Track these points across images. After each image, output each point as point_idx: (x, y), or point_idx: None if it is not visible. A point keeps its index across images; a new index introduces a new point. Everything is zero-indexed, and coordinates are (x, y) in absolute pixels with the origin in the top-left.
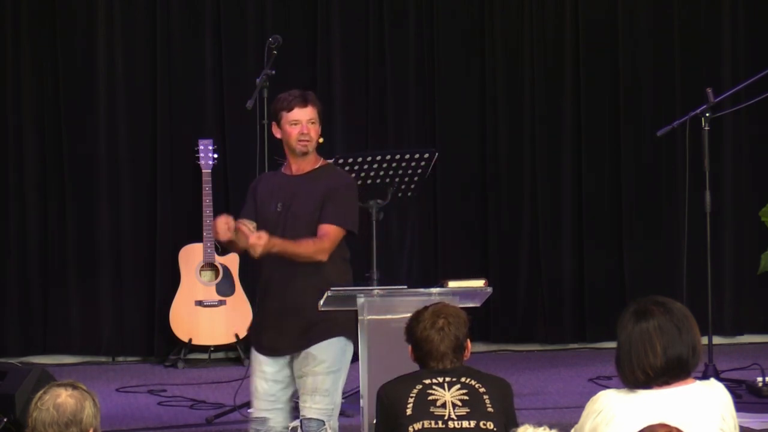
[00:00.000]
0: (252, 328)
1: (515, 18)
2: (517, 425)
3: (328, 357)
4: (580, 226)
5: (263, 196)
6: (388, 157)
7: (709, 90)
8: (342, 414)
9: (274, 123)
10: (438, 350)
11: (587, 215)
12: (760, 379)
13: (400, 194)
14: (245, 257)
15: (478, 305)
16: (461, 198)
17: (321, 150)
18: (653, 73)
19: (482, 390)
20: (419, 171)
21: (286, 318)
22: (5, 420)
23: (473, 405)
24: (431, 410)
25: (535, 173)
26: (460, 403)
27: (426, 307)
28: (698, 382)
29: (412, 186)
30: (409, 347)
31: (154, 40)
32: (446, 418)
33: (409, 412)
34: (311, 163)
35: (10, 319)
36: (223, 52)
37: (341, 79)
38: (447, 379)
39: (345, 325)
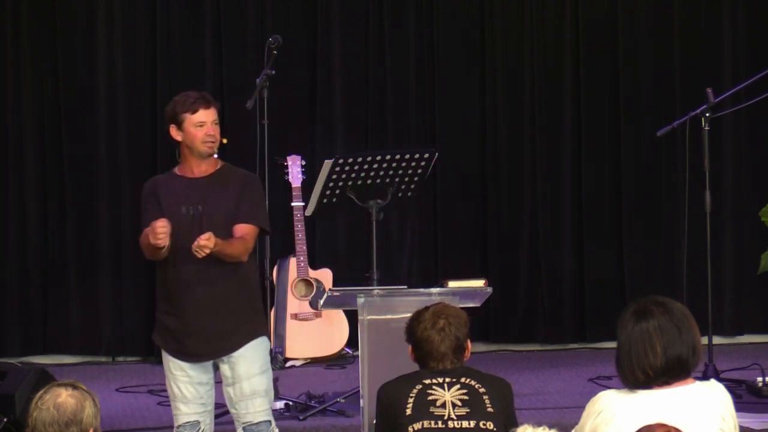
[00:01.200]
0: (164, 332)
1: (515, 18)
2: (516, 425)
3: (258, 357)
4: (580, 226)
5: (167, 200)
6: (388, 157)
7: (709, 90)
8: (342, 414)
9: (173, 126)
10: (438, 350)
11: (587, 215)
12: (760, 379)
13: (400, 194)
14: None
15: (478, 305)
16: (461, 198)
17: (325, 151)
18: (653, 73)
19: (482, 390)
20: (419, 171)
21: (210, 321)
22: (5, 420)
23: (473, 405)
24: (431, 410)
25: (535, 173)
26: (459, 403)
27: (427, 308)
28: (698, 383)
29: (412, 186)
30: (409, 347)
31: (154, 40)
32: (446, 417)
33: (408, 412)
34: (213, 164)
35: (10, 319)
36: (223, 52)
37: (341, 79)
38: (447, 379)
39: (264, 324)
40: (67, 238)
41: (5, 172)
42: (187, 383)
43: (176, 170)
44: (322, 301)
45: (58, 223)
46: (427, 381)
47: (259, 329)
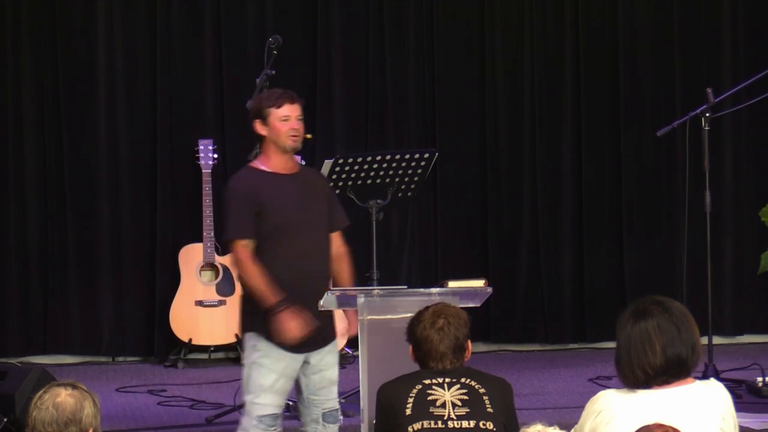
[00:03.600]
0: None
1: (515, 18)
2: (517, 425)
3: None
4: (580, 226)
5: (273, 200)
6: (388, 157)
7: (709, 90)
8: (342, 414)
9: (257, 121)
10: (437, 350)
11: (587, 215)
12: (760, 379)
13: (400, 194)
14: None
15: (478, 305)
16: (461, 198)
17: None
18: (653, 73)
19: (482, 390)
20: (419, 171)
21: (319, 316)
22: (5, 420)
23: (473, 405)
24: (431, 410)
25: (535, 173)
26: (459, 403)
27: (427, 307)
28: (698, 382)
29: (412, 186)
30: (410, 347)
31: (154, 40)
32: (446, 418)
33: (408, 412)
34: (296, 161)
35: (10, 319)
36: (223, 52)
37: (341, 79)
38: (447, 379)
39: None
40: (67, 238)
41: (5, 172)
42: (284, 376)
43: (262, 167)
44: (322, 301)
45: (58, 223)
46: (427, 381)
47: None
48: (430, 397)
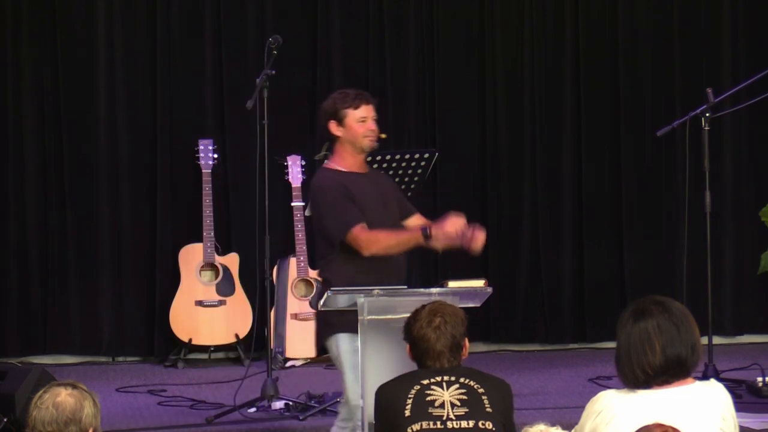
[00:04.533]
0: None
1: (515, 18)
2: (514, 427)
3: None
4: (580, 226)
5: (357, 197)
6: (388, 157)
7: (709, 90)
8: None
9: (332, 121)
10: (434, 349)
11: (587, 215)
12: (760, 379)
13: None
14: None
15: (478, 305)
16: (461, 198)
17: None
18: (653, 73)
19: (481, 390)
20: (419, 171)
21: None
22: (5, 420)
23: (472, 405)
24: (429, 411)
25: (535, 173)
26: (458, 403)
27: (423, 306)
28: (698, 382)
29: (412, 186)
30: (407, 345)
31: (154, 40)
32: (445, 418)
33: (407, 413)
34: (364, 160)
35: (10, 319)
36: (223, 52)
37: (341, 79)
38: (445, 378)
39: None
40: (67, 238)
41: (5, 172)
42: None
43: (338, 167)
44: (322, 301)
45: (58, 223)
46: (425, 381)
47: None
48: (429, 398)
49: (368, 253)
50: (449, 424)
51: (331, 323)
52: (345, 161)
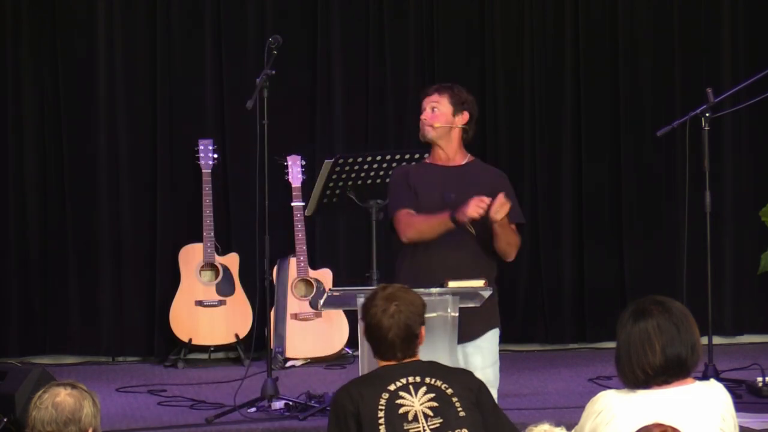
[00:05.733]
0: None
1: (515, 19)
2: (499, 410)
3: (491, 348)
4: (580, 226)
5: (423, 187)
6: (388, 157)
7: (709, 90)
8: None
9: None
10: (386, 338)
11: (587, 215)
12: (760, 379)
13: None
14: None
15: (478, 305)
16: None
17: (325, 151)
18: (653, 73)
19: (449, 391)
20: None
21: None
22: (5, 420)
23: (445, 413)
24: (405, 427)
25: (535, 173)
26: (431, 413)
27: (384, 287)
28: (698, 382)
29: None
30: (362, 325)
31: (154, 40)
32: None
33: (382, 429)
34: (462, 156)
35: (10, 319)
36: (223, 52)
37: (341, 79)
38: (411, 380)
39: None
40: (67, 238)
41: (5, 171)
42: None
43: (426, 160)
44: (322, 301)
45: (58, 222)
46: (392, 387)
47: (493, 321)
48: (401, 410)
49: (405, 239)
50: None
51: (496, 314)
52: (431, 154)
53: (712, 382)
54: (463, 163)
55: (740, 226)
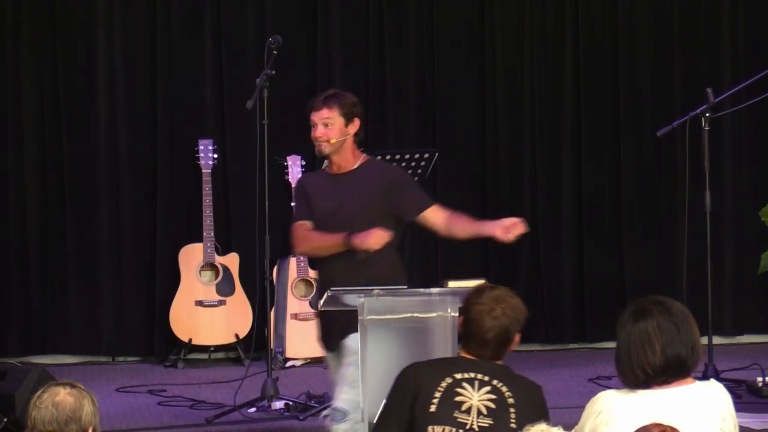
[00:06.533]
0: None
1: (515, 18)
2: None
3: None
4: (580, 226)
5: (314, 198)
6: (388, 157)
7: (709, 90)
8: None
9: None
10: (484, 337)
11: (587, 215)
12: (760, 379)
13: None
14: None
15: None
16: (461, 198)
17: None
18: (653, 73)
19: (510, 401)
20: (419, 171)
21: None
22: (5, 420)
23: (497, 417)
24: (455, 415)
25: (535, 173)
26: (485, 412)
27: (492, 287)
28: (698, 382)
29: None
30: (460, 318)
31: (154, 40)
32: (467, 426)
33: (433, 408)
34: (352, 160)
35: (10, 319)
36: (223, 52)
37: (341, 79)
38: (479, 376)
39: None
40: (67, 238)
41: (5, 172)
42: (330, 369)
43: (324, 167)
44: (322, 301)
45: (58, 223)
46: (459, 375)
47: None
48: (457, 398)
49: (298, 251)
50: None
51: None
52: (327, 162)
53: (712, 382)
54: (355, 166)
55: (740, 226)
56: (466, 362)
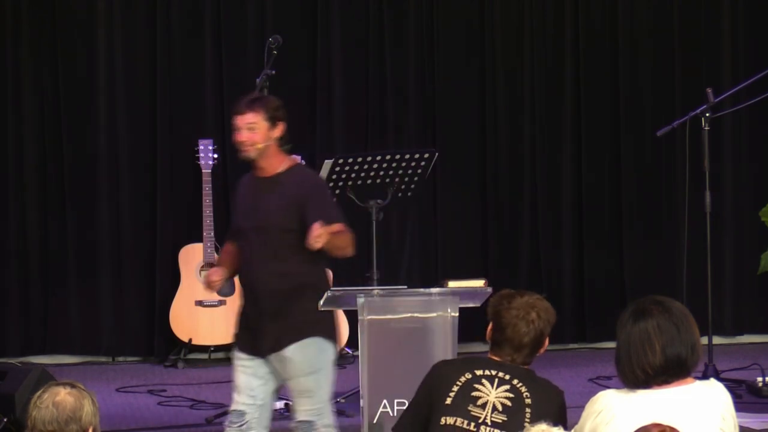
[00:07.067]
0: (236, 325)
1: (516, 18)
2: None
3: (305, 358)
4: (580, 226)
5: (238, 200)
6: (388, 157)
7: (709, 90)
8: (342, 414)
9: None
10: (521, 341)
11: (587, 215)
12: (760, 379)
13: (400, 194)
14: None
15: (478, 305)
16: (461, 198)
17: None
18: (653, 73)
19: (528, 401)
20: (419, 171)
21: (265, 320)
22: (5, 420)
23: (512, 415)
24: (469, 408)
25: (535, 173)
26: (500, 408)
27: (521, 293)
28: (698, 382)
29: (412, 186)
30: (491, 326)
31: (154, 40)
32: (480, 421)
33: (448, 401)
34: (277, 165)
35: (10, 319)
36: (223, 52)
37: (341, 79)
38: (500, 374)
39: (318, 325)
40: (67, 238)
41: (5, 172)
42: (242, 372)
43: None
44: (322, 301)
45: (58, 223)
46: (479, 371)
47: (307, 330)
48: (474, 392)
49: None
50: (482, 429)
51: (310, 324)
52: (254, 166)
53: (712, 381)
54: (279, 171)
55: (740, 226)
56: (490, 362)
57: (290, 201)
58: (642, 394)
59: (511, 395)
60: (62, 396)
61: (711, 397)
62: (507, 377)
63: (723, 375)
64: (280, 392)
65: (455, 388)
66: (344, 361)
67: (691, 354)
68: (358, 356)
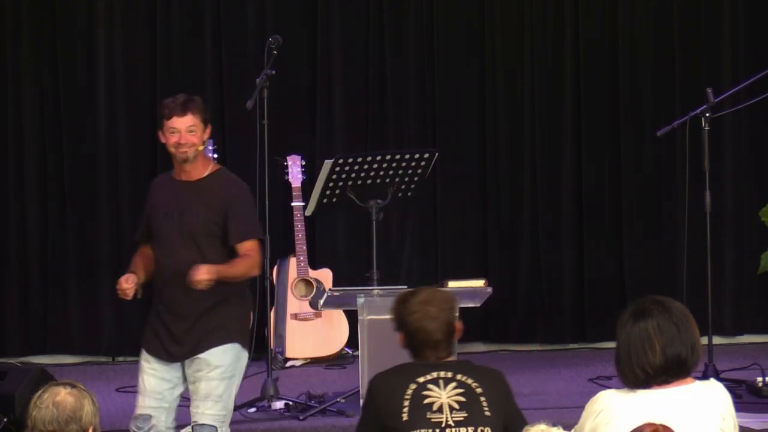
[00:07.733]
0: (147, 322)
1: (515, 18)
2: (519, 413)
3: (223, 363)
4: (580, 226)
5: (156, 203)
6: (388, 157)
7: (709, 90)
8: (342, 414)
9: (159, 129)
10: (432, 339)
11: (587, 215)
12: (760, 379)
13: (400, 194)
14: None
15: (478, 305)
16: (461, 198)
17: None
18: (653, 72)
19: (479, 390)
20: (419, 171)
21: (185, 323)
22: (5, 420)
23: (470, 408)
24: (428, 416)
25: (535, 173)
26: (457, 406)
27: (412, 293)
28: (698, 382)
29: (412, 186)
30: (400, 335)
31: (154, 40)
32: (443, 425)
33: (405, 416)
34: (202, 169)
35: (10, 319)
36: (223, 52)
37: (341, 79)
38: (442, 374)
39: (239, 332)
40: (67, 238)
41: (5, 172)
42: (149, 375)
43: (172, 171)
44: (322, 301)
45: (58, 223)
46: (422, 379)
47: (227, 336)
48: (426, 400)
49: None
50: (448, 431)
51: (232, 329)
52: (175, 168)
53: (712, 381)
54: (204, 176)
55: (740, 226)
56: (424, 366)
57: (214, 207)
58: (642, 394)
59: (461, 390)
60: (62, 396)
61: (711, 397)
62: (450, 375)
63: (723, 375)
64: (280, 393)
65: (406, 402)
66: (344, 361)
67: (691, 354)
68: (358, 356)
